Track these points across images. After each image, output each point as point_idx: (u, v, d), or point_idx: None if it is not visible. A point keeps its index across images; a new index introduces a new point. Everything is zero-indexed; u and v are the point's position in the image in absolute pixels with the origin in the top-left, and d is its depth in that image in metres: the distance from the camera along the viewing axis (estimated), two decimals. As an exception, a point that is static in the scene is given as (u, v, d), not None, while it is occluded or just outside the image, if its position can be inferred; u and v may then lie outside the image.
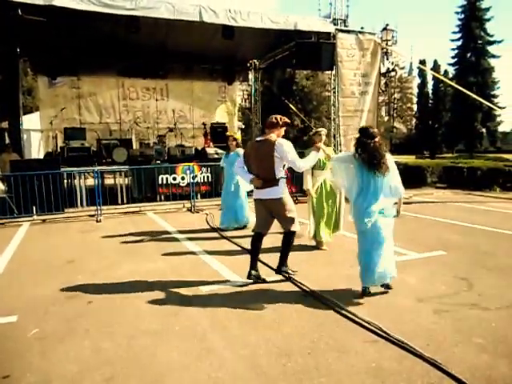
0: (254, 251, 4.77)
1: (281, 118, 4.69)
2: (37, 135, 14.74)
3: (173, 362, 3.06)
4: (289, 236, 4.72)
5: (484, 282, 4.59)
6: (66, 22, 10.16)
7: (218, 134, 13.89)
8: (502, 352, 3.10)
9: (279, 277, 4.84)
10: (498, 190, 12.90)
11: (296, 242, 6.53)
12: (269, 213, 4.69)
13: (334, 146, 12.51)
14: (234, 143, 7.52)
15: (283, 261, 4.82)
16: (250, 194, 6.79)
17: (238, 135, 7.70)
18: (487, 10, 39.17)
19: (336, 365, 2.98)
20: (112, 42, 12.40)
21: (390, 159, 4.27)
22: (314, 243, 6.22)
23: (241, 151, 7.07)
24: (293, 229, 4.67)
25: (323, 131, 5.97)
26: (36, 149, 14.72)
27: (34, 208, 8.67)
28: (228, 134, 7.91)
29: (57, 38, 11.30)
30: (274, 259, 5.54)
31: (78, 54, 12.73)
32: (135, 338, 3.42)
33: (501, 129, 43.83)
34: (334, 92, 12.68)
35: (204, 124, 14.48)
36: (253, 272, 4.71)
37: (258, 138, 4.80)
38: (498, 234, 7.03)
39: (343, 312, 3.82)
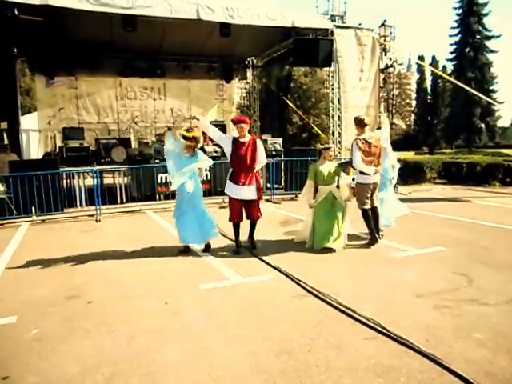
0: (371, 220, 6.08)
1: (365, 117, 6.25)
2: (35, 135, 14.72)
3: (173, 361, 3.06)
4: (377, 209, 6.22)
5: (483, 278, 4.59)
6: (63, 21, 10.16)
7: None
8: (501, 347, 3.10)
9: (278, 274, 4.86)
10: (498, 185, 12.91)
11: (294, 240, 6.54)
12: (371, 192, 6.10)
13: (333, 142, 12.53)
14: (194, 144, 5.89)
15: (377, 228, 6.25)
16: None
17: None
18: (485, 4, 39.16)
19: (336, 362, 2.98)
20: (109, 42, 12.39)
21: None
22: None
23: (201, 153, 6.03)
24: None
25: (332, 147, 6.53)
26: (35, 149, 14.69)
27: (33, 208, 8.65)
28: (194, 134, 5.84)
29: (54, 37, 11.29)
30: (273, 259, 5.56)
31: (76, 54, 12.72)
32: (135, 338, 3.42)
33: (499, 124, 43.87)
34: (333, 89, 12.69)
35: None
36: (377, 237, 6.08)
37: (367, 136, 6.01)
38: (498, 229, 7.03)
39: (342, 309, 3.83)
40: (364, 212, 6.12)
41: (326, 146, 6.34)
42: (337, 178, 6.13)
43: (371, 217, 6.10)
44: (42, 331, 3.59)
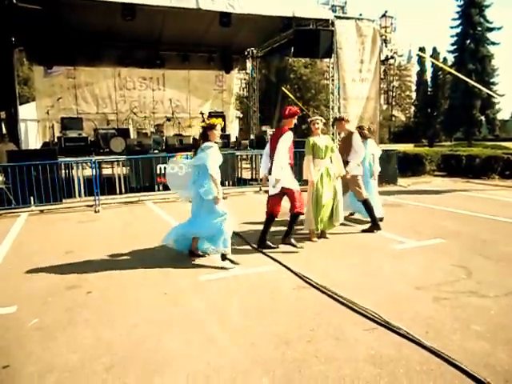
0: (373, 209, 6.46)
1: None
2: (34, 125, 14.66)
3: (173, 351, 3.07)
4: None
5: (483, 270, 4.61)
6: (62, 10, 10.06)
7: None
8: (500, 339, 3.12)
9: (278, 266, 4.86)
10: (497, 178, 12.91)
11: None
12: None
13: (333, 134, 12.49)
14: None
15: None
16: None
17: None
18: (486, -4, 38.81)
19: (335, 352, 2.99)
20: (108, 31, 12.28)
21: None
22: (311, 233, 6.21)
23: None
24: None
25: (319, 119, 6.18)
26: (33, 139, 14.64)
27: (32, 199, 8.63)
28: (214, 121, 5.48)
29: (52, 26, 11.17)
30: (273, 251, 5.56)
31: (74, 43, 12.61)
32: (135, 328, 3.43)
33: (500, 116, 43.69)
34: (333, 80, 12.62)
35: (202, 113, 14.41)
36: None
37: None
38: (497, 221, 7.04)
39: (342, 300, 3.84)
40: (366, 202, 6.44)
41: (311, 119, 6.25)
42: (331, 153, 6.07)
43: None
44: (41, 321, 3.59)
